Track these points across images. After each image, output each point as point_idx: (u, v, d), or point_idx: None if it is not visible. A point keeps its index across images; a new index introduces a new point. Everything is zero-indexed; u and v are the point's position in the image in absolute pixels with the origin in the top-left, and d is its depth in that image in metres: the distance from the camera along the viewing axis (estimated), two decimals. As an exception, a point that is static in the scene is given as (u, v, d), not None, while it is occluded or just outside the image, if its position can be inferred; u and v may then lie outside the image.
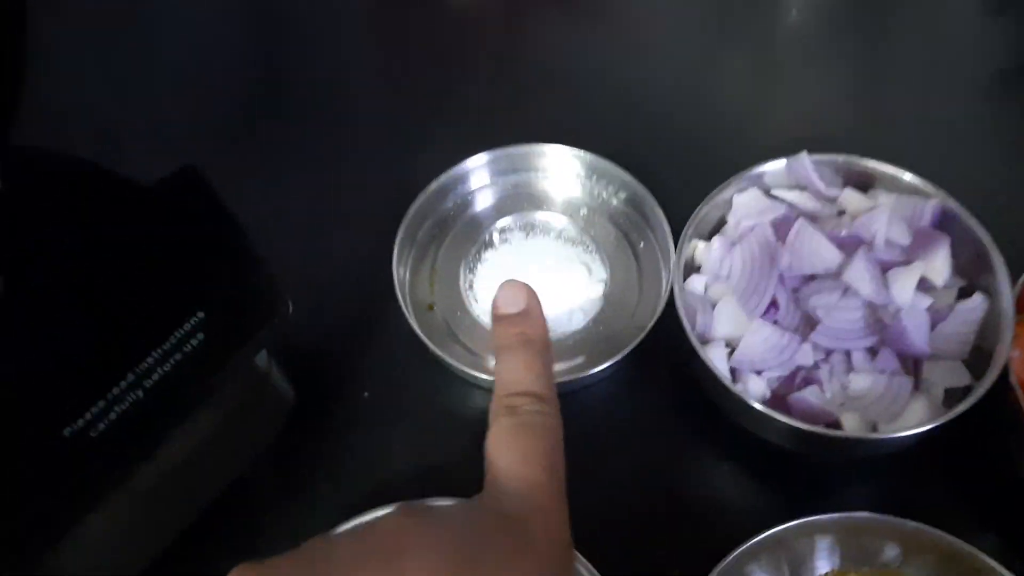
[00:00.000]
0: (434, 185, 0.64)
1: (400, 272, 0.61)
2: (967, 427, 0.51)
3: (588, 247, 0.65)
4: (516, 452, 0.34)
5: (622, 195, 0.66)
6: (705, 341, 0.55)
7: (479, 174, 0.67)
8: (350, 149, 0.73)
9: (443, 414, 0.59)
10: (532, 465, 0.34)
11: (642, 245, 0.64)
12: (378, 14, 0.86)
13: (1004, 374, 0.50)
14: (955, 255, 0.56)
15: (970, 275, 0.56)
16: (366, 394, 0.59)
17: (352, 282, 0.63)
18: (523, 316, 0.39)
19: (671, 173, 0.65)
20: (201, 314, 0.44)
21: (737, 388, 0.52)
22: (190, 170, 0.47)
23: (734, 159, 0.60)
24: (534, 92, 0.77)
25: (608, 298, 0.62)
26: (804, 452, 0.54)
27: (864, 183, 0.59)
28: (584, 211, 0.66)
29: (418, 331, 0.58)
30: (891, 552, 0.51)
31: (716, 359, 0.54)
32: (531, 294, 0.40)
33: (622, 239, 0.65)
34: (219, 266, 0.45)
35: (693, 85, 0.77)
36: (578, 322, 0.61)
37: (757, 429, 0.54)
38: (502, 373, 0.37)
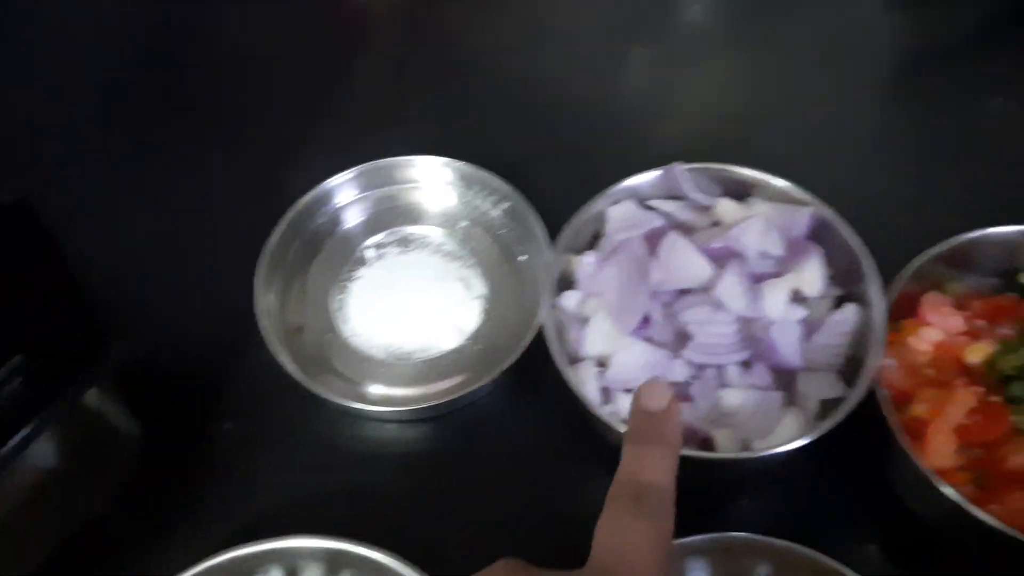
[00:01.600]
0: (303, 202, 0.62)
1: (266, 295, 0.59)
2: (842, 439, 0.50)
3: (467, 261, 0.63)
4: (632, 539, 0.35)
5: (503, 206, 0.64)
6: (576, 359, 0.53)
7: (349, 189, 0.64)
8: (213, 167, 0.70)
9: (312, 445, 0.57)
10: (644, 556, 0.34)
11: (522, 258, 0.62)
12: (248, 27, 0.83)
13: (873, 385, 0.50)
14: (831, 264, 0.56)
15: (847, 284, 0.55)
16: (227, 425, 0.56)
17: (214, 308, 0.60)
18: (666, 415, 0.39)
19: (554, 182, 0.63)
20: (19, 358, 0.41)
21: (604, 410, 0.51)
22: (18, 204, 0.43)
23: (620, 168, 0.59)
24: (417, 99, 0.74)
25: (488, 314, 0.60)
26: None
27: (742, 192, 0.58)
28: (463, 223, 0.64)
29: (279, 359, 0.55)
30: (763, 571, 0.50)
31: (585, 378, 0.52)
32: (674, 396, 0.40)
33: (502, 252, 0.63)
34: (42, 307, 0.42)
35: (580, 92, 0.75)
36: (455, 340, 0.59)
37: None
38: (633, 460, 0.38)
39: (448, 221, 0.64)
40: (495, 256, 0.63)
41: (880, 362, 0.50)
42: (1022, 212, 0.56)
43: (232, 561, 0.49)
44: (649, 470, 0.37)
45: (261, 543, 0.49)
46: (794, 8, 0.81)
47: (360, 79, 0.76)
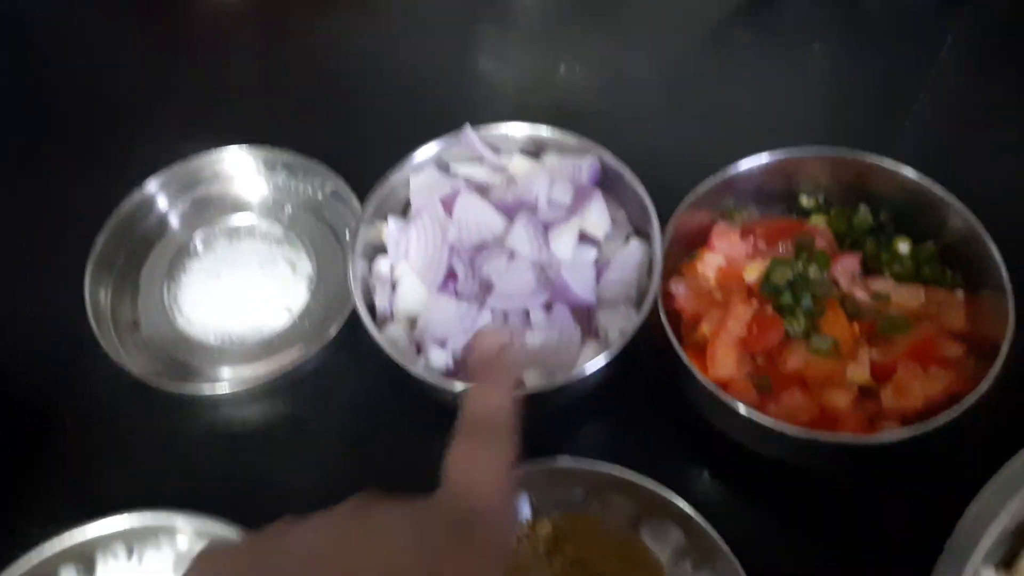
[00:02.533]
0: (126, 206, 0.64)
1: (96, 295, 0.61)
2: (643, 366, 0.54)
3: (294, 244, 0.65)
4: (479, 466, 0.38)
5: (327, 188, 0.66)
6: (386, 320, 0.56)
7: (172, 188, 0.66)
8: (38, 178, 0.71)
9: (154, 432, 0.59)
10: (491, 480, 0.37)
11: (348, 236, 0.65)
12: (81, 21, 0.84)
13: (655, 309, 0.53)
14: (623, 206, 0.59)
15: (638, 223, 0.59)
16: (68, 422, 0.58)
17: (47, 314, 0.62)
18: (497, 359, 0.43)
19: (375, 161, 0.66)
20: None
21: (419, 365, 0.54)
22: None
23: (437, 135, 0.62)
24: (248, 96, 0.76)
25: (314, 291, 0.63)
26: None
27: (537, 149, 0.62)
28: (289, 209, 0.67)
29: (115, 355, 0.57)
30: (577, 494, 0.53)
31: (397, 336, 0.55)
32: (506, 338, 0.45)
33: (328, 232, 0.66)
34: None
35: (397, 65, 0.77)
36: (284, 319, 0.62)
37: (439, 396, 0.55)
38: (475, 397, 0.41)
39: (273, 209, 0.67)
40: (321, 236, 0.65)
41: (655, 289, 0.54)
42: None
43: (73, 544, 0.51)
44: (489, 404, 0.40)
45: (98, 522, 0.51)
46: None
47: (183, 83, 0.78)
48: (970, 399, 0.49)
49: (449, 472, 0.38)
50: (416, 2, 0.83)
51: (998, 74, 0.72)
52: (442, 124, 0.62)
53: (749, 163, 0.59)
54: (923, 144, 0.67)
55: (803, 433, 0.49)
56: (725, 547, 0.48)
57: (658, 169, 0.59)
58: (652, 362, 0.55)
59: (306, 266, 0.64)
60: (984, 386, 0.49)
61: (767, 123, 0.70)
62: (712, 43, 0.79)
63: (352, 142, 0.69)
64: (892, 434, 0.50)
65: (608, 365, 0.52)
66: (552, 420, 0.58)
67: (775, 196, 0.62)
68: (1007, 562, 0.45)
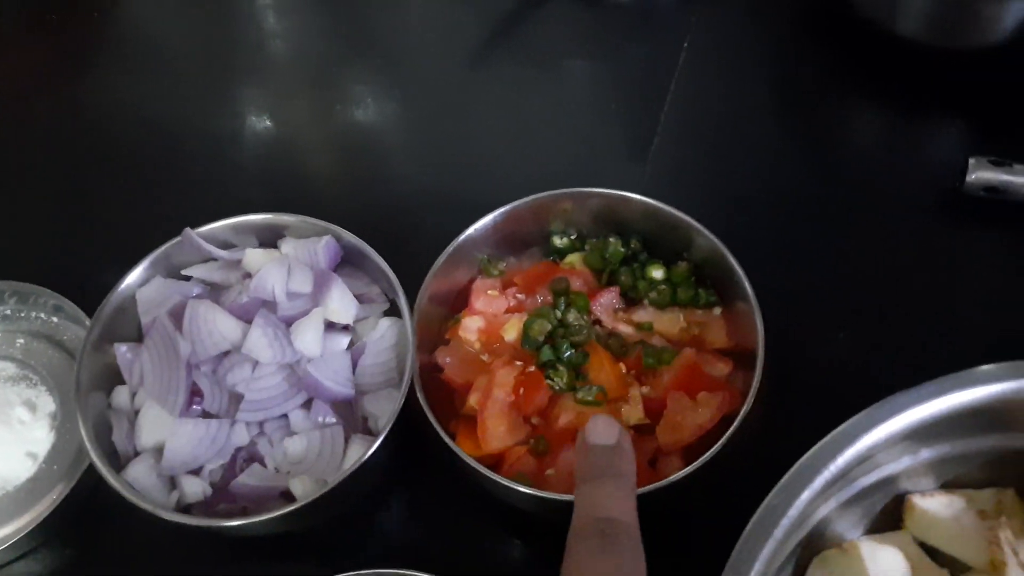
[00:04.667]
0: None
1: None
2: (419, 451, 0.52)
3: (32, 380, 0.59)
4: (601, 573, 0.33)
5: (57, 309, 0.61)
6: (132, 456, 0.52)
7: None
8: None
9: None
10: None
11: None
12: None
13: (411, 389, 0.51)
14: (374, 282, 0.57)
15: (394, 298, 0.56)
16: None
17: None
18: (616, 449, 0.38)
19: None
20: None
21: (172, 497, 0.49)
22: None
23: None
24: None
25: (59, 430, 0.57)
26: (262, 534, 0.52)
27: (275, 237, 0.58)
28: (21, 340, 0.61)
29: None
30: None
31: (140, 474, 0.50)
32: (623, 429, 0.39)
33: (68, 360, 0.60)
34: None
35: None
36: (28, 468, 0.56)
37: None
38: (587, 498, 0.36)
39: (3, 344, 0.60)
40: (60, 366, 0.59)
41: (411, 365, 0.51)
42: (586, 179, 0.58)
43: None
44: (609, 505, 0.36)
45: None
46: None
47: None
48: (738, 419, 0.49)
49: None
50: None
51: (735, 74, 0.73)
52: (176, 222, 0.57)
53: (494, 215, 0.57)
54: (666, 166, 0.67)
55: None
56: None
57: (406, 236, 0.57)
58: (428, 447, 0.52)
59: (48, 403, 0.58)
60: (749, 401, 0.49)
61: (520, 163, 0.69)
62: (472, 74, 0.77)
63: (80, 258, 0.63)
64: (671, 476, 0.48)
65: (382, 457, 0.49)
66: (336, 531, 0.54)
67: (530, 240, 0.60)
68: None
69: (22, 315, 0.61)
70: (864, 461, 0.43)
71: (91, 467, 0.51)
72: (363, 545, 0.54)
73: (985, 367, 0.43)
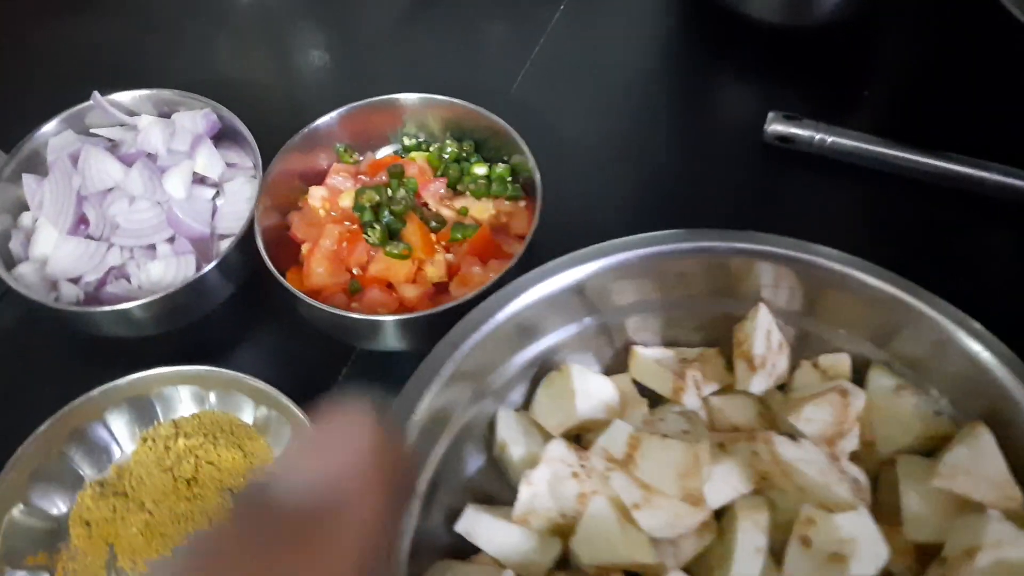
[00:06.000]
0: None
1: None
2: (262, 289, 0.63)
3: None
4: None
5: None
6: (20, 262, 0.64)
7: None
8: None
9: None
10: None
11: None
12: None
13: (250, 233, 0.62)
14: (250, 157, 0.69)
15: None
16: None
17: None
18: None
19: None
20: None
21: (50, 297, 0.62)
22: None
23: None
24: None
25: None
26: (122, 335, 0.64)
27: (170, 111, 0.70)
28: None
29: None
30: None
31: (26, 273, 0.62)
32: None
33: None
34: None
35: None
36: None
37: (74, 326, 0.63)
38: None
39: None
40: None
41: (256, 215, 0.63)
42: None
43: None
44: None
45: None
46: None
47: None
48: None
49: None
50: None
51: (600, 32, 0.85)
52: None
53: (341, 109, 0.69)
54: (523, 95, 0.79)
55: (365, 316, 0.59)
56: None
57: (285, 126, 0.68)
58: (270, 289, 0.63)
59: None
60: (513, 262, 0.60)
61: (408, 73, 0.81)
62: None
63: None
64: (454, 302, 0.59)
65: (217, 278, 0.61)
66: (185, 339, 0.66)
67: (386, 140, 0.72)
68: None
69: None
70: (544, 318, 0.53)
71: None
72: (209, 351, 0.65)
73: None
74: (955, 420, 0.52)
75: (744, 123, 0.77)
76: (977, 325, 0.50)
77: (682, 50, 0.85)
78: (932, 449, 0.52)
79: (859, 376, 0.54)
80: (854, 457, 0.52)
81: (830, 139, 0.72)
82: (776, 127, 0.74)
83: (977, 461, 0.48)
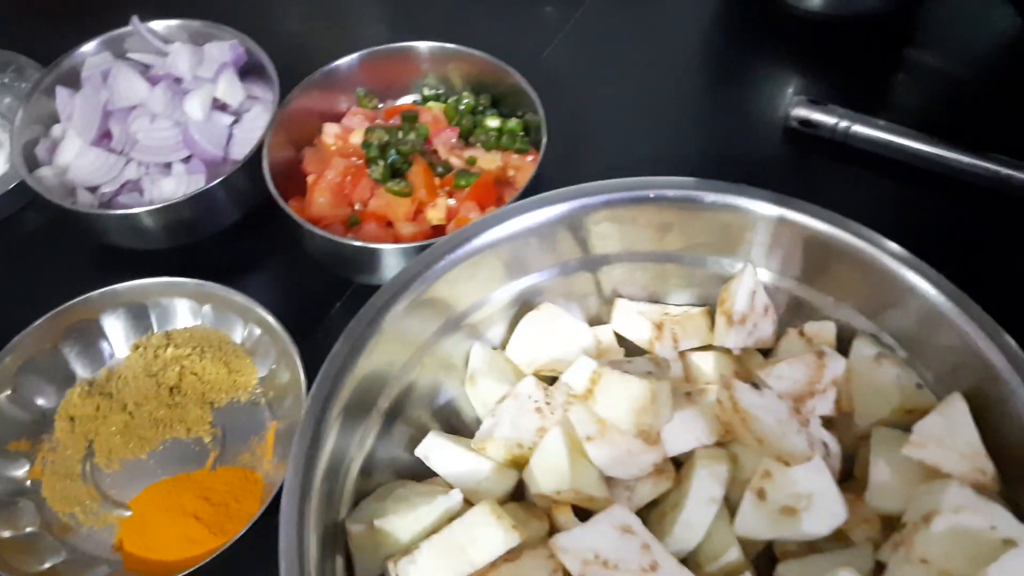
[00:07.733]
0: None
1: None
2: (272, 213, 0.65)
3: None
4: None
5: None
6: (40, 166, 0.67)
7: None
8: None
9: None
10: None
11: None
12: None
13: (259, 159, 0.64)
14: (272, 91, 0.70)
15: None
16: None
17: None
18: None
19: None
20: None
21: (67, 201, 0.64)
22: None
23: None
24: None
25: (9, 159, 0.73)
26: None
27: (204, 40, 0.73)
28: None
29: None
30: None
31: (48, 176, 0.65)
32: None
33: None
34: None
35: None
36: (-21, 181, 0.71)
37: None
38: None
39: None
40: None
41: (266, 143, 0.64)
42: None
43: None
44: None
45: None
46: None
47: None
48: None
49: None
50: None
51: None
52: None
53: (361, 52, 0.70)
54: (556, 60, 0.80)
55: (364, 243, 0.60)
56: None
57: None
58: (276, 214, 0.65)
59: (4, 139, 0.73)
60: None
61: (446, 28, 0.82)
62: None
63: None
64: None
65: (223, 195, 0.63)
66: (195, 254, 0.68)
67: (405, 88, 0.73)
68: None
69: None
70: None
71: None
72: (211, 271, 0.66)
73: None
74: (937, 394, 0.50)
75: (771, 107, 0.76)
76: (970, 301, 0.48)
77: (720, 33, 0.84)
78: (911, 423, 0.50)
79: (848, 348, 0.53)
80: (830, 426, 0.51)
81: (853, 127, 0.71)
82: (799, 111, 0.73)
83: (950, 431, 0.47)
